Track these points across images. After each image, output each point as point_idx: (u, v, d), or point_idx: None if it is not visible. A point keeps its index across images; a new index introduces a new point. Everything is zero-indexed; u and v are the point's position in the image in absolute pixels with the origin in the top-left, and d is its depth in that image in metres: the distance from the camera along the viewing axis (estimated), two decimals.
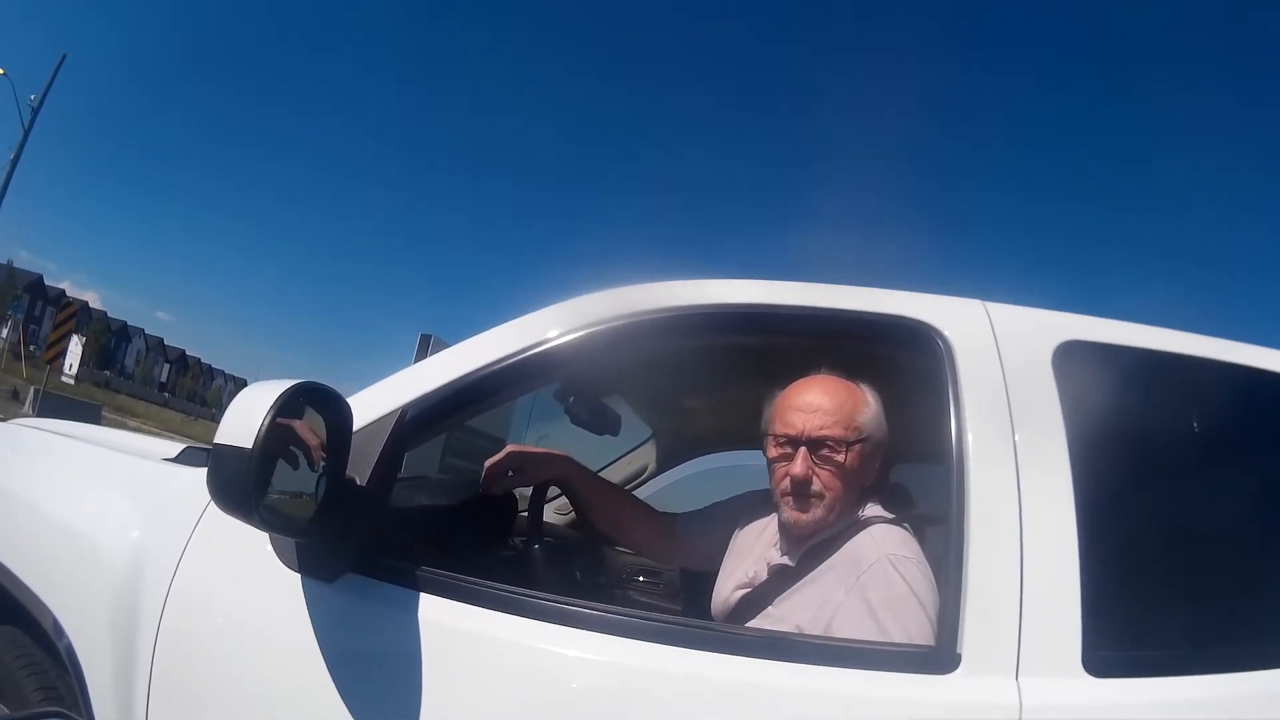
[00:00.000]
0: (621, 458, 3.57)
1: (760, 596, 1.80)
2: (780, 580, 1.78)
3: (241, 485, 1.35)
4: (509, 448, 2.20)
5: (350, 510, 1.50)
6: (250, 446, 1.33)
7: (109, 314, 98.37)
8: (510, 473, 2.16)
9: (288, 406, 1.39)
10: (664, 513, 2.37)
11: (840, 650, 1.44)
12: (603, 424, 3.08)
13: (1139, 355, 1.64)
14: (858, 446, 1.76)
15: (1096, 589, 1.37)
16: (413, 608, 1.46)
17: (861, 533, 1.73)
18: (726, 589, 1.91)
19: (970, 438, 1.50)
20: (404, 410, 1.62)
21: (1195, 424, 1.64)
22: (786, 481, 1.77)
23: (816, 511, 1.75)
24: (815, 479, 1.75)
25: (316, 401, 1.47)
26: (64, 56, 26.58)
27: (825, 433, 1.75)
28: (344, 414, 1.51)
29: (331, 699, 1.44)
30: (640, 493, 3.66)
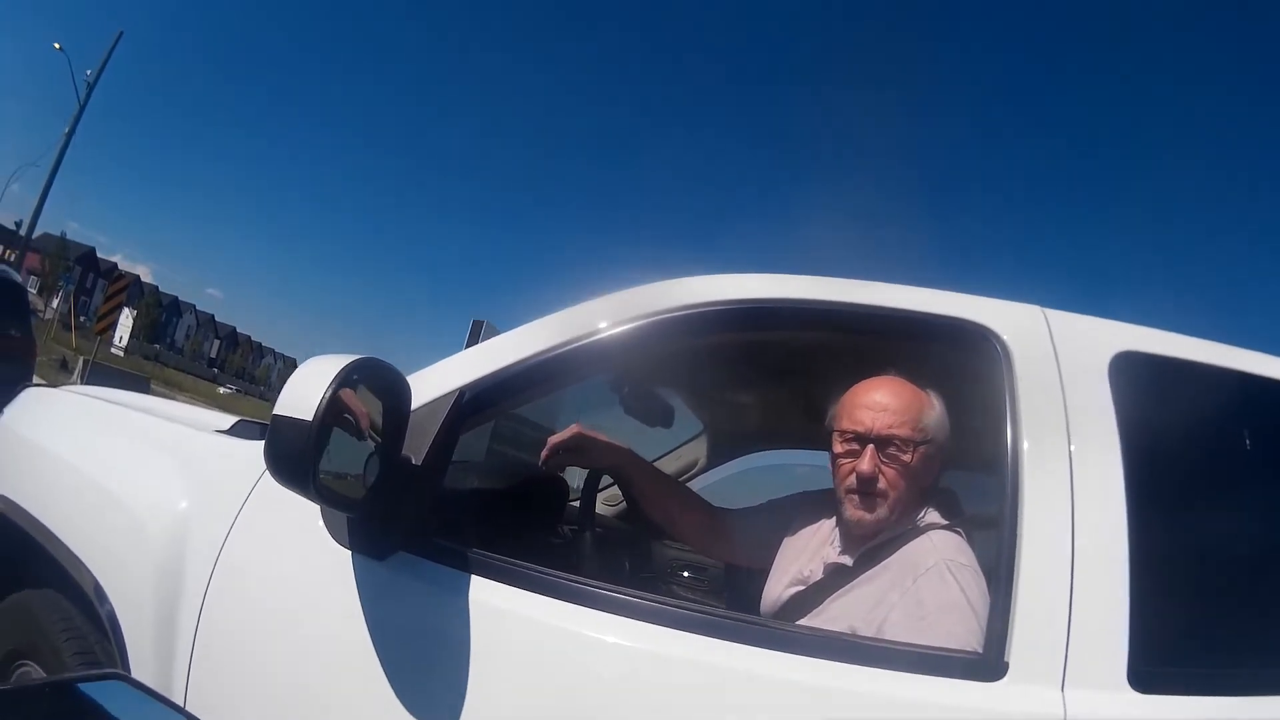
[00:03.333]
0: (672, 451, 3.56)
1: (814, 595, 1.79)
2: (835, 579, 1.78)
3: (300, 457, 1.36)
4: (575, 427, 2.18)
5: (404, 489, 1.51)
6: (310, 419, 1.34)
7: (160, 289, 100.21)
8: (571, 451, 2.15)
9: (348, 381, 1.40)
10: (718, 508, 2.35)
11: (887, 652, 1.44)
12: (656, 416, 3.07)
13: (1195, 369, 1.63)
14: (923, 448, 1.76)
15: (1145, 603, 1.36)
16: (463, 589, 1.47)
17: (920, 537, 1.73)
18: (779, 586, 1.91)
19: (1026, 444, 1.50)
20: (462, 392, 1.63)
21: (1248, 440, 1.65)
22: (852, 478, 1.76)
23: (880, 511, 1.75)
24: (881, 477, 1.75)
25: (376, 378, 1.47)
26: (120, 33, 27.23)
27: (893, 431, 1.75)
28: (402, 392, 1.52)
29: (376, 674, 1.46)
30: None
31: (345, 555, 1.54)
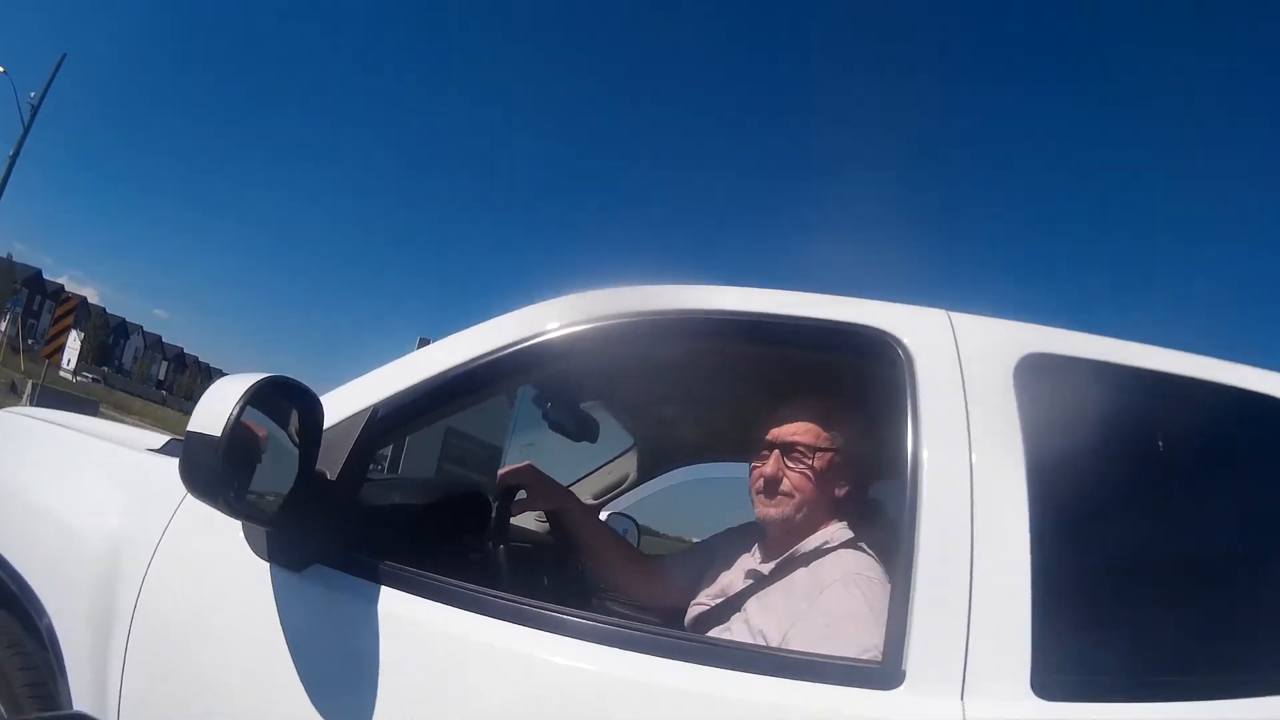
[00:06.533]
0: (603, 466, 3.63)
1: (735, 602, 1.90)
2: (754, 586, 1.89)
3: (210, 471, 1.44)
4: (528, 464, 2.29)
5: (318, 502, 1.58)
6: (219, 434, 1.42)
7: (107, 310, 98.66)
8: (519, 490, 2.24)
9: (258, 397, 1.48)
10: (651, 556, 2.48)
11: (784, 661, 1.49)
12: (580, 430, 3.15)
13: (1103, 369, 1.63)
14: (827, 455, 1.91)
15: (1049, 611, 1.36)
16: (374, 599, 1.53)
17: (831, 554, 1.83)
18: (705, 597, 2.03)
19: (925, 453, 1.51)
20: (376, 408, 1.69)
21: (1159, 442, 1.64)
22: (760, 480, 1.93)
23: (786, 508, 1.91)
24: (786, 479, 1.91)
25: (287, 394, 1.55)
26: (63, 56, 27.11)
27: (796, 438, 1.92)
28: (314, 408, 1.59)
29: (292, 683, 1.51)
30: (620, 503, 3.73)
31: (264, 568, 1.61)
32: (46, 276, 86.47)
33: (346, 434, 1.67)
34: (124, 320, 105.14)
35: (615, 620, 1.56)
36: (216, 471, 1.43)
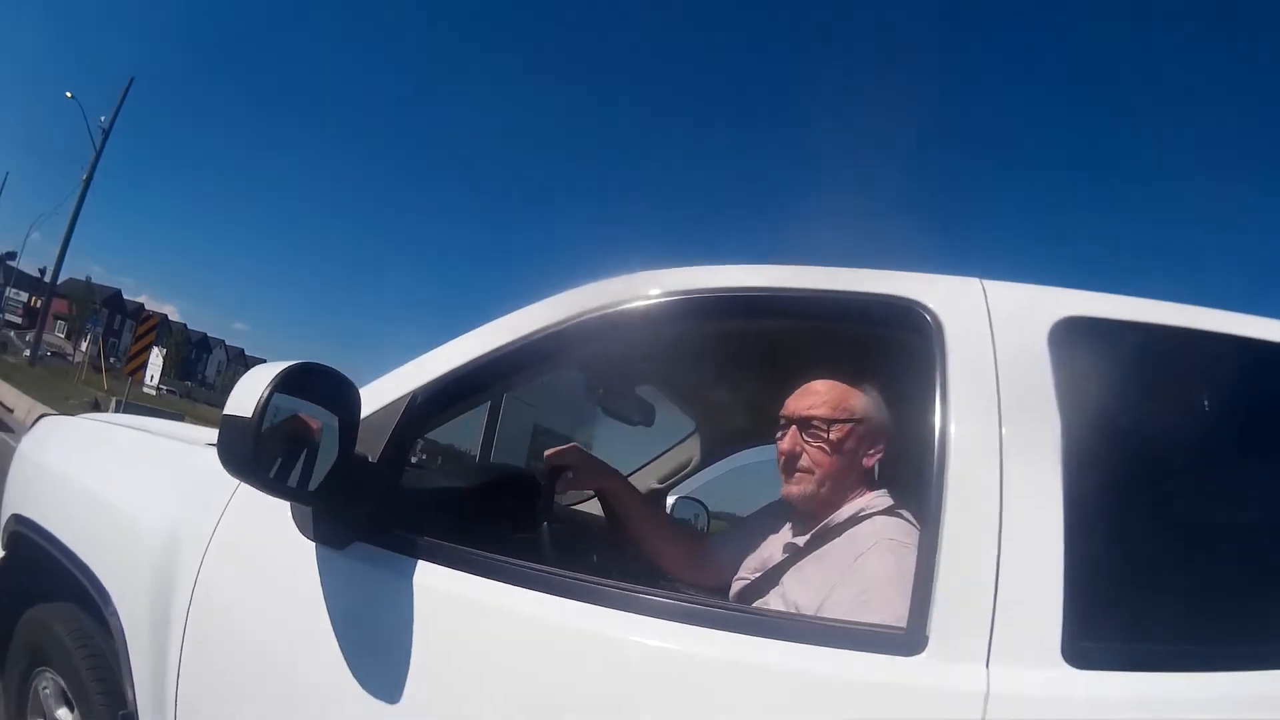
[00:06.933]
0: (668, 451, 3.68)
1: (772, 576, 1.91)
2: (791, 559, 1.90)
3: (242, 449, 1.52)
4: (574, 444, 2.32)
5: (360, 482, 1.66)
6: (250, 415, 1.51)
7: (188, 326, 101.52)
8: (566, 469, 2.26)
9: (288, 382, 1.56)
10: (697, 535, 2.51)
11: (809, 628, 1.50)
12: (634, 415, 3.18)
13: (1145, 330, 1.57)
14: (846, 426, 1.91)
15: (1084, 580, 1.33)
16: (411, 574, 1.59)
17: (866, 522, 1.83)
18: (746, 572, 2.04)
19: (954, 418, 1.49)
20: (415, 394, 1.76)
21: (1205, 405, 1.59)
22: (781, 458, 1.94)
23: (808, 485, 1.91)
24: (805, 455, 1.92)
25: (318, 379, 1.63)
26: (131, 80, 28.00)
27: (813, 412, 1.93)
28: (346, 392, 1.66)
29: (335, 654, 1.59)
30: (685, 487, 3.78)
31: (310, 548, 1.69)
32: (126, 296, 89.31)
33: (387, 419, 1.74)
34: (205, 335, 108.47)
35: (645, 590, 1.55)
36: (249, 449, 1.52)
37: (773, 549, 2.00)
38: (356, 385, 1.69)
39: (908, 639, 1.36)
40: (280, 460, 1.63)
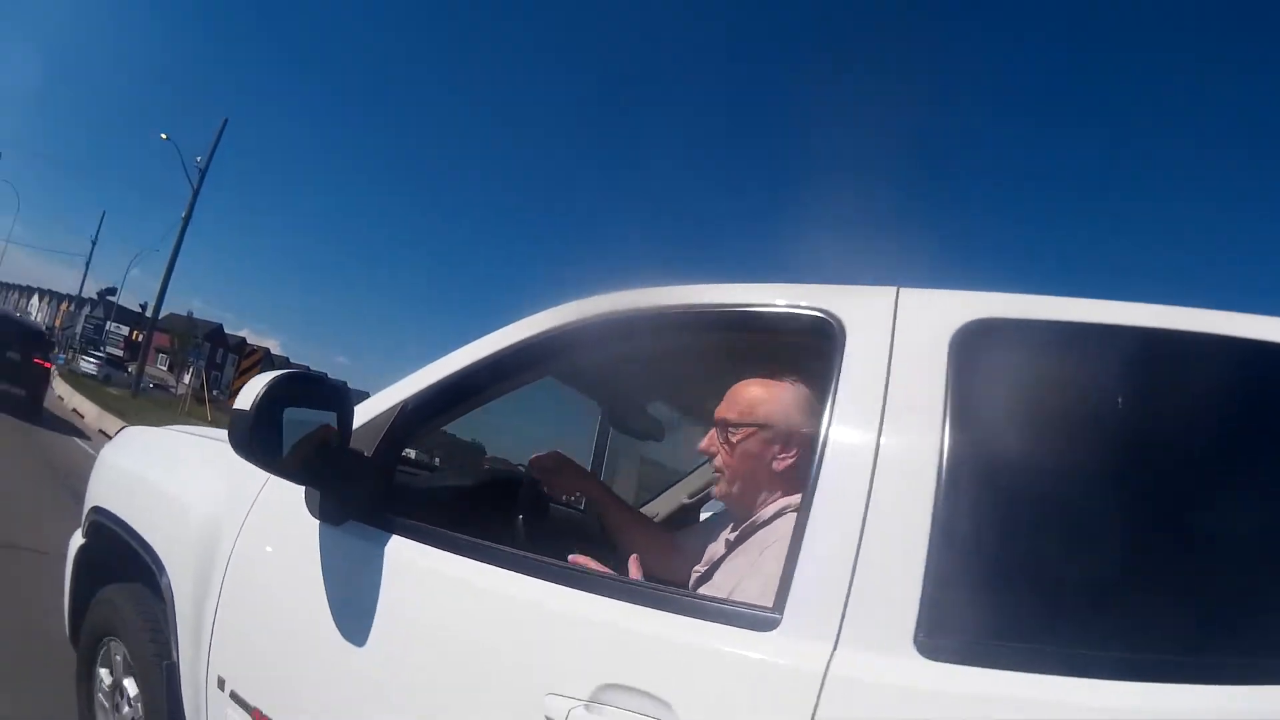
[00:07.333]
0: (701, 467, 3.71)
1: (713, 569, 2.11)
2: (726, 554, 2.10)
3: (243, 434, 1.89)
4: (554, 450, 2.60)
5: (354, 470, 2.05)
6: (249, 409, 1.88)
7: (290, 360, 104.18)
8: (550, 472, 2.56)
9: (284, 384, 1.93)
10: (668, 532, 2.72)
11: (694, 604, 1.62)
12: (643, 429, 3.44)
13: (1052, 329, 1.57)
14: (750, 430, 2.05)
15: (946, 575, 1.38)
16: (394, 548, 1.93)
17: (780, 520, 1.98)
18: (700, 565, 2.23)
19: (837, 423, 1.56)
20: (405, 402, 2.15)
21: (1111, 401, 1.53)
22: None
23: (722, 485, 2.12)
24: (720, 456, 2.10)
25: (312, 383, 2.00)
26: (225, 121, 29.21)
27: (724, 415, 2.10)
28: (338, 392, 2.02)
29: (325, 612, 1.95)
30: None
31: (315, 524, 2.08)
32: (227, 330, 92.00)
33: (382, 422, 2.15)
34: (308, 368, 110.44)
35: (581, 569, 1.79)
36: (247, 434, 1.89)
37: (719, 544, 2.18)
38: (348, 386, 2.09)
39: (767, 618, 1.46)
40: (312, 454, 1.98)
